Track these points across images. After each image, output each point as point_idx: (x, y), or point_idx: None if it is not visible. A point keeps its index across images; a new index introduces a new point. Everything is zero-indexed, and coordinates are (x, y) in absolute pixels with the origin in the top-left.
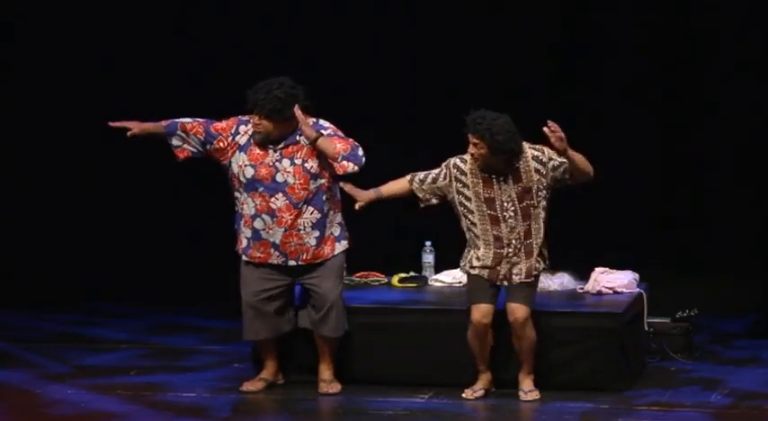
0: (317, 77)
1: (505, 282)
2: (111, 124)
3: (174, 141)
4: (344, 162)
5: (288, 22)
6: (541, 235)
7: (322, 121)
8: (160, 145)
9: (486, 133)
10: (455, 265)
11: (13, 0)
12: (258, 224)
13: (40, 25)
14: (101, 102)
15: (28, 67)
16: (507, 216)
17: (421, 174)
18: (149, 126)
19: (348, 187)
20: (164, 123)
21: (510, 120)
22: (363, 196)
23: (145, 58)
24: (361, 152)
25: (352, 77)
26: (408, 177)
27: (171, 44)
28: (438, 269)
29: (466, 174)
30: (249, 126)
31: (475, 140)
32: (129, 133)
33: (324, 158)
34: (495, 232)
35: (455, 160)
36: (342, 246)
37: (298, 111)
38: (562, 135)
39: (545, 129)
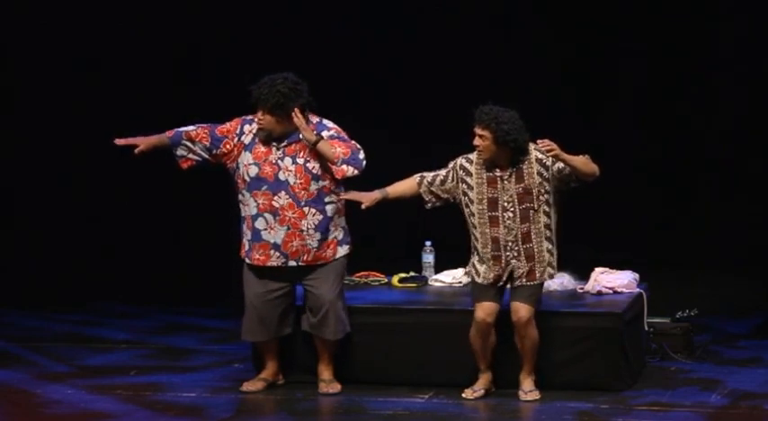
0: (317, 77)
1: (508, 284)
2: (117, 142)
3: (179, 151)
4: (344, 166)
5: (289, 23)
6: (543, 240)
7: (326, 121)
8: (163, 150)
9: (493, 122)
10: (455, 265)
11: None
12: (260, 224)
13: (38, 26)
14: (102, 103)
15: (29, 68)
16: (507, 217)
17: (429, 176)
18: (154, 139)
19: (350, 195)
20: (168, 134)
21: (517, 116)
22: (368, 198)
23: (145, 58)
24: (362, 155)
25: (352, 77)
26: (417, 178)
27: (171, 44)
28: (438, 269)
29: (471, 175)
30: (253, 125)
31: (480, 131)
32: (136, 151)
33: (326, 161)
34: (493, 234)
35: (461, 161)
36: (344, 250)
37: (296, 117)
38: (552, 147)
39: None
